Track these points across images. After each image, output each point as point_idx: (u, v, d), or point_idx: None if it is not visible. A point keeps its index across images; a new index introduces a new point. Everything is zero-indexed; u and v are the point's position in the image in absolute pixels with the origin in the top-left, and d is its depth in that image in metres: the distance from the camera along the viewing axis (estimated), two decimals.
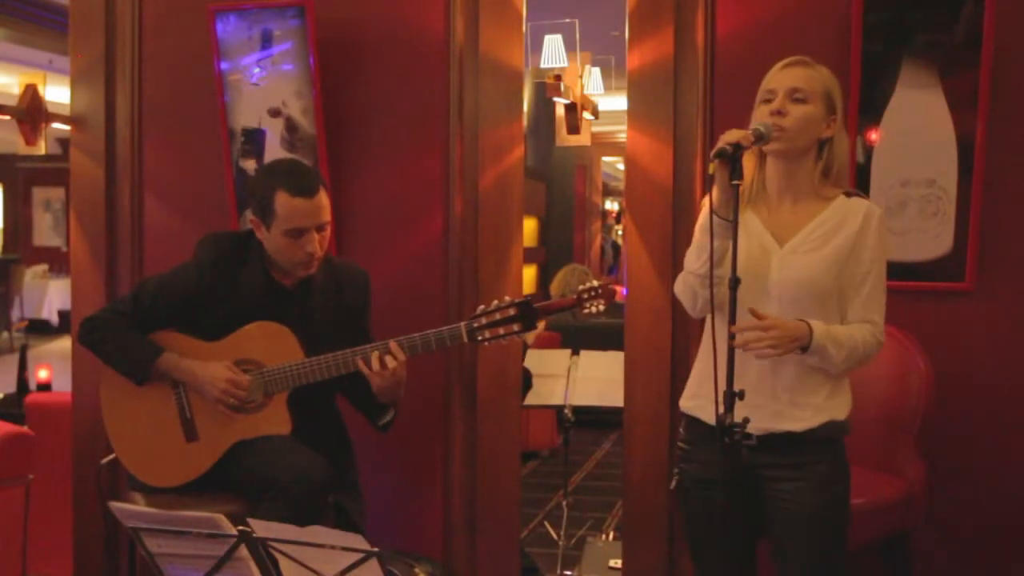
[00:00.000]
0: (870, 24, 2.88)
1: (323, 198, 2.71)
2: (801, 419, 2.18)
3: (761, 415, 2.16)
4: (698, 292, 2.22)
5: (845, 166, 2.27)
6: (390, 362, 2.66)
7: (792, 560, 2.22)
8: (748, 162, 2.28)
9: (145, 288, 2.85)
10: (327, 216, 2.72)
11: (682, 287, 2.30)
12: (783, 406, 2.19)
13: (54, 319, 12.55)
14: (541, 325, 3.86)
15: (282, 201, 2.66)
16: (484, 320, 2.68)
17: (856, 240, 2.19)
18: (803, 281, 2.18)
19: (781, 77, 2.22)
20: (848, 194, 2.25)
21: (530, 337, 3.47)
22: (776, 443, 2.18)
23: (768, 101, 2.21)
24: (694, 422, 2.30)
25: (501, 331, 2.68)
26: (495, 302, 2.70)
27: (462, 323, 2.70)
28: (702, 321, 2.98)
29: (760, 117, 2.20)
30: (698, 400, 2.28)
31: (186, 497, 2.71)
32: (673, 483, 2.33)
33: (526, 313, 2.68)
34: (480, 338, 2.69)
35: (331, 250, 3.02)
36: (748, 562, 2.32)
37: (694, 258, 2.24)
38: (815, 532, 2.19)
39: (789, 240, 2.22)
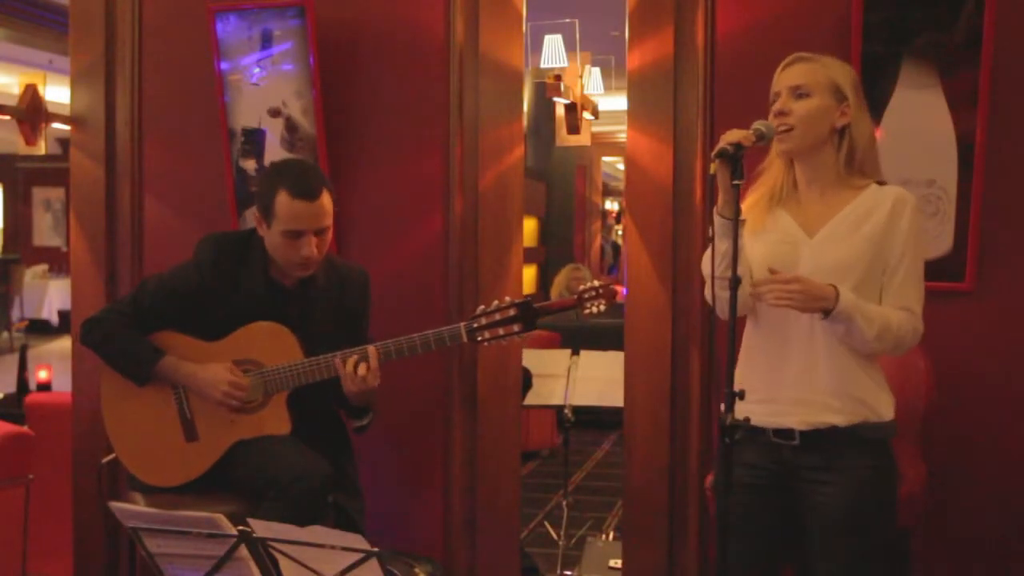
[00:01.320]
0: (870, 24, 2.87)
1: (325, 202, 2.70)
2: (844, 413, 2.17)
3: (804, 409, 2.17)
4: (720, 295, 2.18)
5: (869, 151, 2.24)
6: (361, 369, 2.66)
7: (825, 564, 2.19)
8: (777, 164, 2.29)
9: (145, 288, 2.85)
10: (327, 221, 2.71)
11: (709, 293, 2.29)
12: (825, 398, 2.17)
13: (54, 319, 12.55)
14: None
15: (282, 201, 2.66)
16: (484, 320, 2.68)
17: (887, 226, 2.17)
18: (836, 268, 2.16)
19: (782, 78, 2.23)
20: (880, 183, 2.23)
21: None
22: (819, 440, 2.17)
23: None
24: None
25: (501, 331, 2.68)
26: (495, 302, 2.70)
27: (462, 323, 2.70)
28: (706, 321, 3.00)
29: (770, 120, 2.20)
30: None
31: (186, 497, 2.71)
32: (710, 482, 2.32)
33: (526, 313, 2.68)
34: (480, 338, 2.69)
35: (331, 250, 3.02)
36: (774, 566, 2.31)
37: (708, 263, 2.23)
38: (851, 537, 2.17)
39: (819, 230, 2.21)
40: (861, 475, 2.18)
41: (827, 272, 2.16)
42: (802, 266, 2.18)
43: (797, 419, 2.18)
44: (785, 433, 2.19)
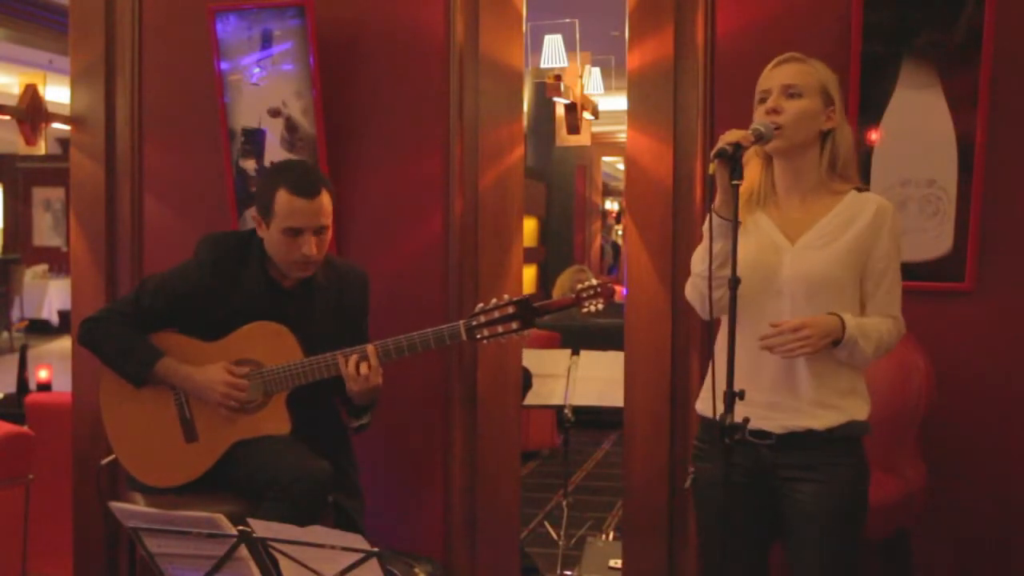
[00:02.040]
0: (870, 24, 2.88)
1: (324, 201, 2.71)
2: (822, 417, 2.17)
3: (781, 414, 2.17)
4: (706, 294, 2.21)
5: (851, 157, 2.26)
6: (363, 368, 2.66)
7: (807, 562, 2.20)
8: (754, 164, 2.28)
9: (145, 288, 2.85)
10: (326, 220, 2.72)
11: (691, 290, 2.30)
12: (804, 404, 2.18)
13: (54, 319, 12.55)
14: None
15: (282, 199, 2.67)
16: (483, 319, 2.69)
17: (869, 234, 2.18)
18: (816, 276, 2.17)
19: (774, 75, 2.23)
20: (859, 190, 2.24)
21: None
22: (796, 443, 2.17)
23: (764, 101, 2.22)
24: (710, 423, 2.29)
25: (500, 329, 2.68)
26: (493, 300, 2.71)
27: (460, 321, 2.71)
28: (705, 322, 3.00)
29: (759, 118, 2.20)
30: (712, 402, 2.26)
31: (186, 497, 2.71)
32: (688, 481, 2.33)
33: (525, 312, 2.68)
34: (479, 336, 2.69)
35: (331, 250, 3.02)
36: (759, 564, 2.31)
37: (699, 260, 2.24)
38: (832, 535, 2.18)
39: (800, 237, 2.21)
40: (838, 474, 2.18)
41: (809, 280, 2.17)
42: (783, 273, 2.19)
43: (775, 423, 2.18)
44: (761, 434, 2.19)
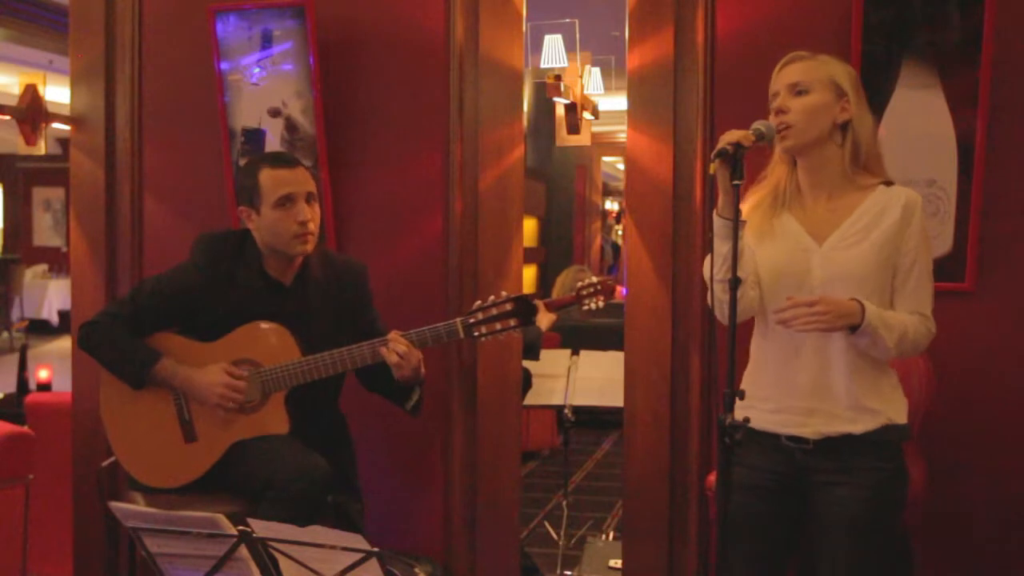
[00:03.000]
0: (870, 24, 2.87)
1: (305, 172, 2.77)
2: (859, 421, 2.15)
3: (817, 419, 2.16)
4: (722, 299, 2.14)
5: (873, 148, 2.23)
6: (398, 349, 2.66)
7: (837, 566, 2.18)
8: (780, 165, 2.27)
9: (143, 289, 2.85)
10: (312, 187, 2.76)
11: (711, 299, 2.28)
12: (840, 408, 2.16)
13: (54, 319, 12.55)
14: (552, 317, 3.84)
15: (265, 176, 2.71)
16: (480, 316, 2.69)
17: (898, 230, 2.16)
18: (849, 277, 2.15)
19: (780, 77, 2.23)
20: (887, 184, 2.22)
21: (544, 322, 3.44)
22: (832, 447, 2.16)
23: None
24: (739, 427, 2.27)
25: (498, 326, 2.69)
26: (491, 298, 2.71)
27: (458, 319, 2.71)
28: (706, 321, 3.00)
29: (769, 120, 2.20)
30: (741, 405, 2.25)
31: (186, 497, 2.71)
32: (710, 481, 2.32)
33: (523, 308, 2.68)
34: (476, 334, 2.69)
35: (331, 248, 3.02)
36: (779, 568, 2.30)
37: (709, 267, 2.22)
38: (862, 540, 2.16)
39: (828, 237, 2.19)
40: (874, 478, 2.16)
41: (840, 280, 2.15)
42: (813, 275, 2.17)
43: (811, 429, 2.17)
44: (797, 439, 2.19)
